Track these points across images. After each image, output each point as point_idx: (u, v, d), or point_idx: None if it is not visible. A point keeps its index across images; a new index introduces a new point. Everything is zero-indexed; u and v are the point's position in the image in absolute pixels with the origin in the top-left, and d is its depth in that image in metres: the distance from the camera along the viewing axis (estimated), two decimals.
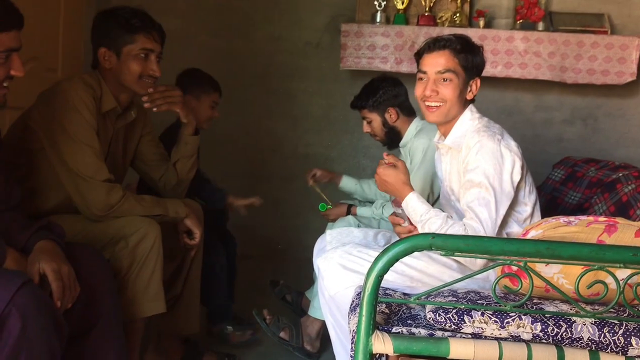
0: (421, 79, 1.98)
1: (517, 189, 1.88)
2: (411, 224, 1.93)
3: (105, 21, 2.07)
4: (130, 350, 1.94)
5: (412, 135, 2.61)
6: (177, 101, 2.17)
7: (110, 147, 2.15)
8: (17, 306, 1.37)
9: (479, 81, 1.98)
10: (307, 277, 2.71)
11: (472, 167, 1.86)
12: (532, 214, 1.96)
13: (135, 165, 2.35)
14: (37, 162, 1.99)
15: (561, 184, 2.51)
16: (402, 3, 3.50)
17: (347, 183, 2.94)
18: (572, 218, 1.61)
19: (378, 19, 3.50)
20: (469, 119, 1.97)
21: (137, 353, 2.07)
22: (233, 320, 2.65)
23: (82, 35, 3.21)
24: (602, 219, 1.59)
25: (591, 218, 1.60)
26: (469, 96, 1.98)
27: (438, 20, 3.51)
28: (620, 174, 2.24)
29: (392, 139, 2.67)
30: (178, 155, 2.30)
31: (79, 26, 3.22)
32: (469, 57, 1.95)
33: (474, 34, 3.38)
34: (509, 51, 3.41)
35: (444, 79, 1.93)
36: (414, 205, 1.88)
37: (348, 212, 2.73)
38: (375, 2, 3.51)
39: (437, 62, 1.93)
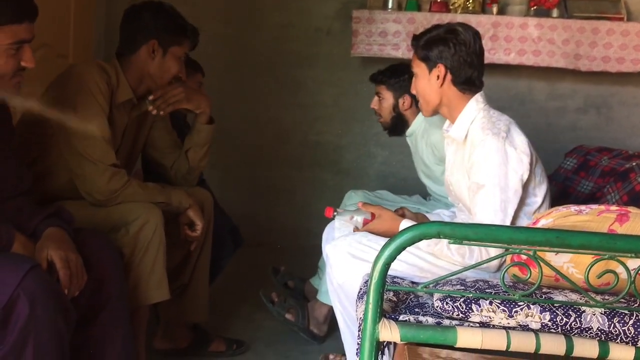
0: None
1: (526, 182, 1.86)
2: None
3: (162, 17, 2.09)
4: (136, 336, 1.94)
5: (421, 127, 2.58)
6: (180, 99, 2.17)
7: (124, 136, 2.15)
8: (25, 290, 1.38)
9: (442, 67, 1.93)
10: (315, 265, 2.71)
11: (477, 168, 1.84)
12: (541, 206, 1.94)
13: (146, 153, 2.35)
14: (48, 146, 2.00)
15: (573, 173, 2.48)
16: None
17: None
18: (583, 207, 1.58)
19: (390, 6, 3.46)
20: (474, 109, 1.94)
21: (144, 339, 2.08)
22: None
23: (93, 21, 3.21)
24: (613, 208, 1.57)
25: (602, 207, 1.58)
26: (440, 83, 1.94)
27: (451, 7, 3.47)
28: (634, 163, 2.21)
29: (395, 125, 2.64)
30: (190, 143, 2.30)
31: (90, 12, 3.22)
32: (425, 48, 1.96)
33: (487, 21, 3.35)
34: (523, 38, 3.37)
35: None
36: None
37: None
38: None
39: None
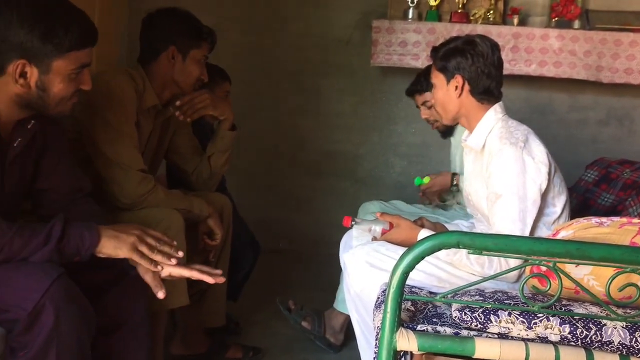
0: None
1: (545, 191, 1.85)
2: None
3: (177, 22, 2.13)
4: (155, 342, 1.96)
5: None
6: (206, 105, 2.21)
7: (149, 142, 2.19)
8: (51, 299, 1.40)
9: (459, 78, 1.94)
10: (331, 275, 2.70)
11: (495, 177, 1.84)
12: (560, 216, 1.93)
13: (168, 158, 2.39)
14: (75, 151, 2.03)
15: (594, 185, 2.46)
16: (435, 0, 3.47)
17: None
18: (604, 219, 1.57)
19: (410, 16, 3.47)
20: (492, 119, 1.95)
21: (161, 344, 2.10)
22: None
23: (116, 28, 3.26)
24: (635, 220, 1.55)
25: (624, 219, 1.56)
26: (459, 94, 1.95)
27: (471, 18, 3.47)
28: None
29: (451, 125, 2.52)
30: (213, 149, 2.33)
31: (114, 19, 3.27)
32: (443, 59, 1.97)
33: (508, 32, 3.34)
34: (544, 49, 3.35)
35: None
36: None
37: (452, 183, 2.60)
38: None
39: None
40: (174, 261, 1.60)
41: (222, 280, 1.64)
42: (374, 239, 1.98)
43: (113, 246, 1.56)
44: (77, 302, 1.46)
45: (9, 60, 1.47)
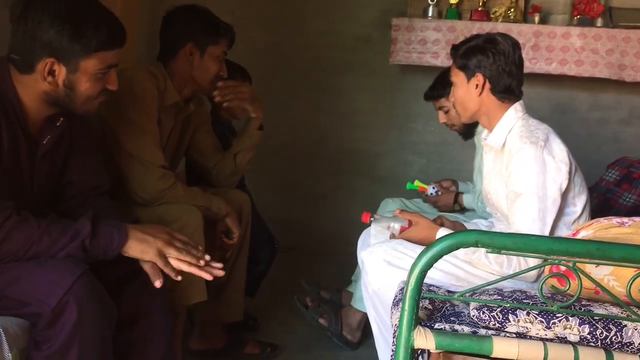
0: None
1: (565, 191, 1.84)
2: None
3: (193, 19, 2.14)
4: (173, 336, 1.97)
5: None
6: (246, 97, 2.24)
7: (169, 139, 2.20)
8: (75, 296, 1.42)
9: (480, 76, 1.94)
10: (349, 272, 2.71)
11: (515, 176, 1.83)
12: (581, 216, 1.91)
13: (189, 155, 2.41)
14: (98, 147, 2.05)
15: (615, 185, 2.44)
16: None
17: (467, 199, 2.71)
18: (625, 219, 1.56)
19: (430, 14, 3.46)
20: (513, 118, 1.94)
21: (180, 339, 2.11)
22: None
23: (137, 26, 3.28)
24: None
25: None
26: (479, 92, 1.94)
27: (492, 16, 3.44)
28: None
29: (470, 126, 2.54)
30: (240, 147, 2.34)
31: (135, 17, 3.30)
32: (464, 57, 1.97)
33: (529, 30, 3.31)
34: (565, 48, 3.32)
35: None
36: None
37: (455, 201, 2.64)
38: None
39: None
40: (202, 263, 1.62)
41: (221, 273, 1.65)
42: (392, 236, 1.98)
43: (140, 250, 1.58)
44: (100, 300, 1.49)
45: (38, 59, 1.50)
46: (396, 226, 1.95)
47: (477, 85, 1.93)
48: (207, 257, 1.65)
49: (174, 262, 1.61)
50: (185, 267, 1.62)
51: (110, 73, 1.60)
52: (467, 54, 1.94)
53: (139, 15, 3.30)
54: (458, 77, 1.98)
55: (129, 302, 1.66)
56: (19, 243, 1.47)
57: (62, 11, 1.48)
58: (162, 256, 1.59)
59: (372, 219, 1.99)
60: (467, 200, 2.63)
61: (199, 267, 1.62)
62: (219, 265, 1.66)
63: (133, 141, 1.99)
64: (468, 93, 1.96)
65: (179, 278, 1.62)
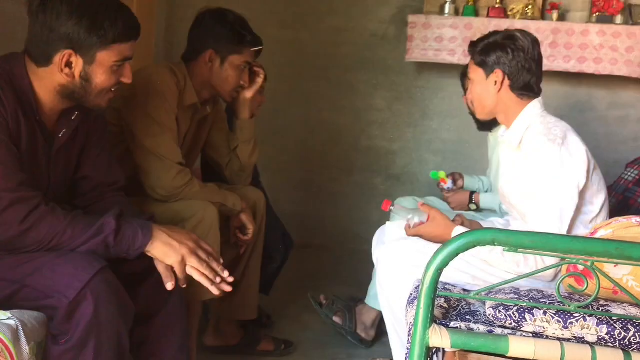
0: None
1: (583, 189, 1.82)
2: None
3: (219, 25, 2.12)
4: (188, 332, 1.98)
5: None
6: (262, 80, 2.28)
7: (186, 138, 2.21)
8: (92, 291, 1.44)
9: (499, 73, 1.92)
10: (363, 270, 2.70)
11: (532, 174, 1.82)
12: (599, 215, 1.89)
13: (205, 152, 2.42)
14: (116, 143, 2.06)
15: (634, 184, 2.40)
16: None
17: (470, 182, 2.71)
18: None
19: (447, 11, 3.43)
20: (531, 115, 1.92)
21: (195, 335, 2.13)
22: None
23: (153, 24, 3.30)
24: None
25: None
26: (498, 89, 1.93)
27: (509, 13, 3.41)
28: None
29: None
30: (237, 141, 2.34)
31: (151, 15, 3.32)
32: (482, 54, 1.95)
33: (547, 27, 3.28)
34: (583, 45, 3.28)
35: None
36: None
37: (470, 200, 2.61)
38: None
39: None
40: (218, 280, 1.62)
41: (229, 289, 1.64)
42: (407, 227, 1.96)
43: (163, 252, 1.59)
44: (117, 296, 1.50)
45: (56, 51, 1.52)
46: (415, 219, 1.94)
47: (495, 81, 1.92)
48: (226, 274, 1.64)
49: (188, 269, 1.62)
50: (195, 275, 1.62)
51: (125, 66, 1.61)
52: (486, 50, 1.93)
53: (155, 15, 3.32)
54: (476, 74, 1.96)
55: (145, 298, 1.67)
56: (43, 233, 1.49)
57: (80, 3, 1.50)
58: (183, 263, 1.60)
59: (391, 207, 1.98)
60: (485, 200, 2.59)
61: (209, 279, 1.62)
62: (231, 279, 1.65)
63: (151, 137, 2.00)
64: (486, 90, 1.94)
65: (185, 285, 1.63)
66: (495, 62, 1.91)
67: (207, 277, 1.61)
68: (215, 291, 1.63)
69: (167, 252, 1.59)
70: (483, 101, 1.97)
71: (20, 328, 1.42)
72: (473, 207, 2.58)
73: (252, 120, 2.33)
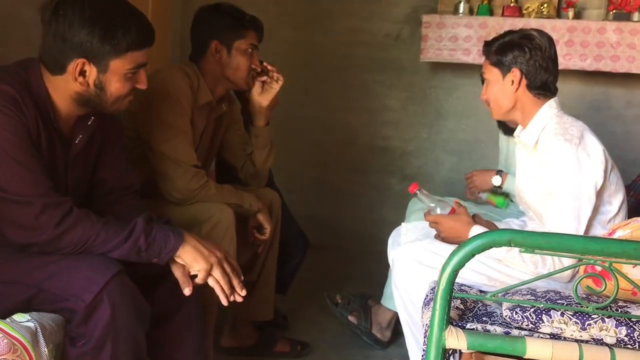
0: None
1: (600, 189, 1.80)
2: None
3: (215, 16, 2.15)
4: (206, 334, 1.99)
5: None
6: (279, 86, 2.25)
7: (202, 138, 2.23)
8: (109, 294, 1.45)
9: (516, 72, 1.91)
10: (378, 271, 2.69)
11: (549, 175, 1.80)
12: (617, 215, 1.87)
13: (220, 154, 2.43)
14: (131, 147, 2.07)
15: None
16: None
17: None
18: None
19: (461, 10, 3.42)
20: (547, 115, 1.91)
21: (212, 336, 2.14)
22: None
23: (169, 25, 3.32)
24: None
25: None
26: (515, 88, 1.91)
27: (524, 12, 3.39)
28: None
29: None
30: (251, 147, 2.35)
31: (167, 17, 3.34)
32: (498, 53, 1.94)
33: (563, 26, 3.25)
34: (600, 43, 3.24)
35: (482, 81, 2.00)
36: None
37: (498, 174, 2.51)
38: None
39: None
40: (237, 297, 1.65)
41: (239, 299, 1.66)
42: (427, 214, 1.97)
43: (192, 257, 1.61)
44: (134, 299, 1.51)
45: (69, 60, 1.52)
46: (438, 210, 1.94)
47: (512, 81, 1.90)
48: (244, 293, 1.66)
49: (210, 278, 1.63)
50: (215, 287, 1.63)
51: (140, 72, 1.61)
52: (502, 49, 1.92)
53: (169, 16, 3.34)
54: (492, 74, 1.95)
55: (161, 300, 1.68)
56: (78, 236, 1.50)
57: (93, 13, 1.50)
58: (209, 272, 1.62)
59: (418, 191, 1.98)
60: (510, 182, 2.47)
61: (222, 289, 1.64)
62: (243, 293, 1.67)
63: (166, 141, 2.01)
64: (503, 90, 1.93)
65: (189, 293, 1.64)
66: (512, 62, 1.90)
67: (223, 290, 1.63)
68: (223, 300, 1.64)
69: (196, 258, 1.60)
70: (500, 101, 1.96)
71: (39, 330, 1.43)
72: (497, 181, 2.49)
73: (267, 127, 2.34)
